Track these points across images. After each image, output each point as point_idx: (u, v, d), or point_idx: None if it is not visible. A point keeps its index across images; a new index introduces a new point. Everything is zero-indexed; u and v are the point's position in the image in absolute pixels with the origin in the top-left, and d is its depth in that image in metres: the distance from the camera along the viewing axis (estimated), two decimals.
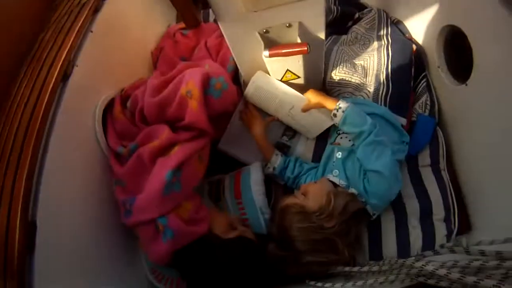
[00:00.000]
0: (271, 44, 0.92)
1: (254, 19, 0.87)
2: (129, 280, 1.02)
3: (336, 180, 0.99)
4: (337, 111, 0.96)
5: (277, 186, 1.19)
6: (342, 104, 0.96)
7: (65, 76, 0.96)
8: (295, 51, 0.86)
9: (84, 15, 1.06)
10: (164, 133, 0.99)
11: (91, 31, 1.08)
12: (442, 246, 0.88)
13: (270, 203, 1.11)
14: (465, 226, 1.03)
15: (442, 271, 0.66)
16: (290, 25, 0.90)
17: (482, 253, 0.71)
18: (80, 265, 0.86)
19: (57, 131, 0.88)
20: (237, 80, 1.20)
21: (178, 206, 0.93)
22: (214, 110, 1.03)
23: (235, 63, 1.19)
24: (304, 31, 0.90)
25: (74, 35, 1.01)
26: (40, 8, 1.20)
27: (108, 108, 1.11)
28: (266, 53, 0.89)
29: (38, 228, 0.76)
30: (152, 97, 1.02)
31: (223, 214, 1.02)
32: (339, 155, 1.03)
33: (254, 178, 1.10)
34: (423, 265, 0.69)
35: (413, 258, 0.82)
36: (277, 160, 1.11)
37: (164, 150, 0.97)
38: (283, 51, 0.88)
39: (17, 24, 1.12)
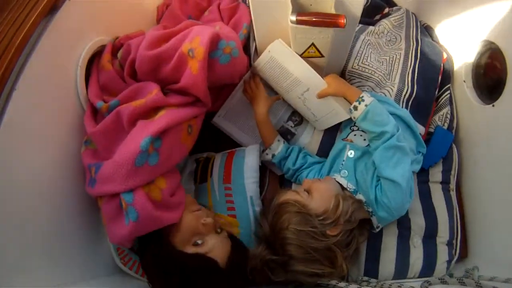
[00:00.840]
0: (299, 9, 0.79)
1: None
2: (93, 262, 0.88)
3: (344, 182, 0.87)
4: (359, 103, 0.83)
5: (273, 175, 1.06)
6: (366, 97, 0.84)
7: (53, 8, 0.81)
8: (330, 21, 0.74)
9: None
10: (152, 92, 0.83)
11: None
12: (451, 275, 0.79)
13: (262, 194, 0.99)
14: (464, 254, 0.97)
15: None
16: None
17: None
18: (35, 234, 0.72)
19: (31, 70, 0.73)
20: (247, 51, 1.07)
21: (149, 182, 0.76)
22: (216, 77, 0.89)
23: (248, 31, 1.09)
24: (340, 5, 0.78)
25: None
26: None
27: (95, 57, 0.96)
28: (294, 17, 0.76)
29: None
30: (147, 50, 0.86)
31: (195, 213, 0.82)
32: (351, 154, 0.91)
33: (249, 163, 0.97)
34: None
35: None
36: (278, 147, 0.98)
37: (148, 112, 0.82)
38: (315, 19, 0.75)
39: None
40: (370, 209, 0.84)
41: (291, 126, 1.07)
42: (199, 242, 0.78)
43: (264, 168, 1.04)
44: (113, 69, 0.91)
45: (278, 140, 0.99)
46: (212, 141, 1.08)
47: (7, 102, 0.68)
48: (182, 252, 0.75)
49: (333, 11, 0.77)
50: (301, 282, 0.78)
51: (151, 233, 0.75)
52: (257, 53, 1.10)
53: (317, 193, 0.82)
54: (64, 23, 0.83)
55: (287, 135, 1.07)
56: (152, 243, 0.78)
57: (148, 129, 0.76)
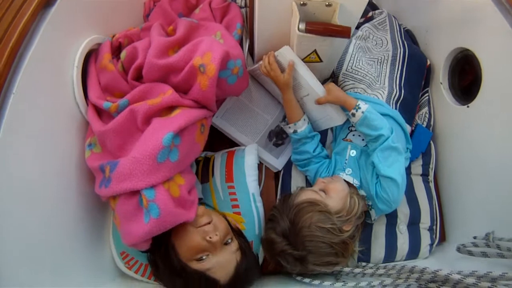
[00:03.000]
0: (304, 19, 0.83)
1: None
2: (95, 268, 0.87)
3: (350, 179, 0.95)
4: (356, 111, 0.91)
5: (269, 172, 1.12)
6: (362, 105, 0.91)
7: (48, 3, 0.77)
8: (338, 31, 0.79)
9: None
10: (166, 93, 0.84)
11: None
12: (464, 245, 0.89)
13: (260, 188, 1.04)
14: (442, 238, 1.09)
15: (471, 280, 0.66)
16: (329, 4, 0.83)
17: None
18: (34, 240, 0.69)
19: (26, 71, 0.69)
20: None
21: (169, 179, 0.76)
22: (222, 93, 0.93)
23: (242, 31, 1.10)
24: (341, 14, 0.83)
25: None
26: None
27: (89, 55, 0.92)
28: (303, 26, 0.80)
29: None
30: (156, 58, 0.86)
31: (203, 229, 0.80)
32: (352, 153, 0.99)
33: (249, 162, 1.02)
34: (448, 273, 0.69)
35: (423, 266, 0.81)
36: (303, 125, 1.02)
37: (163, 111, 0.83)
38: (323, 29, 0.79)
39: None
40: (370, 203, 0.93)
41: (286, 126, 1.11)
42: (204, 257, 0.78)
43: (260, 165, 1.08)
44: (115, 70, 0.89)
45: (304, 120, 1.02)
46: (208, 140, 1.09)
47: (5, 105, 0.65)
48: (186, 266, 0.77)
49: (336, 21, 0.82)
50: (315, 272, 0.86)
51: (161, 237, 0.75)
52: (250, 53, 1.13)
53: (334, 193, 0.89)
54: (58, 20, 0.79)
55: (282, 134, 1.12)
56: (162, 247, 0.79)
57: (167, 126, 0.76)
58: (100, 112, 0.87)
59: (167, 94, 0.84)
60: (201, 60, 0.83)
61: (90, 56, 0.93)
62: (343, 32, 0.79)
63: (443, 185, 1.13)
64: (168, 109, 0.84)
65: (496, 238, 0.84)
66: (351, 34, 1.15)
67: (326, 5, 0.82)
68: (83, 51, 0.88)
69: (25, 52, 0.70)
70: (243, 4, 1.21)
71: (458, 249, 0.89)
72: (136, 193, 0.74)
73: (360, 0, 0.83)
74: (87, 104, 0.88)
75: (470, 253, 0.86)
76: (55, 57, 0.80)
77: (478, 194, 0.99)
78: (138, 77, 0.90)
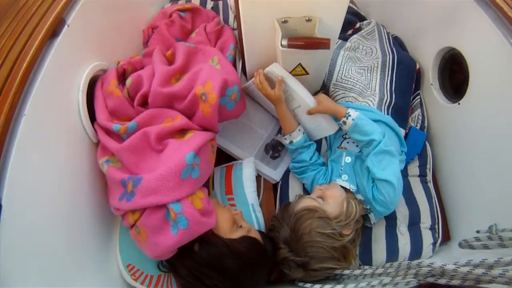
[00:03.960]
0: (287, 35, 0.88)
1: (276, 5, 0.85)
2: (101, 277, 0.90)
3: (346, 185, 0.98)
4: (347, 118, 0.95)
5: (267, 184, 1.15)
6: (352, 112, 0.95)
7: (54, 34, 0.84)
8: (318, 43, 0.84)
9: None
10: (176, 118, 0.91)
11: None
12: (466, 240, 0.90)
13: (259, 199, 1.07)
14: (446, 237, 1.08)
15: (464, 269, 0.67)
16: (309, 19, 0.88)
17: None
18: (46, 255, 0.73)
19: (36, 96, 0.75)
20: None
21: (192, 194, 0.83)
22: (222, 118, 1.00)
23: (235, 52, 1.16)
24: (321, 28, 0.88)
25: None
26: None
27: (93, 81, 0.99)
28: (285, 42, 0.85)
29: (3, 209, 0.63)
30: (161, 87, 0.93)
31: (227, 208, 0.94)
32: (348, 160, 1.02)
33: (247, 175, 1.06)
34: (442, 265, 0.70)
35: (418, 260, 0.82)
36: (298, 135, 1.06)
37: (176, 133, 0.90)
38: (304, 43, 0.85)
39: None
40: (368, 207, 0.95)
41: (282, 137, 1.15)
42: (240, 225, 0.89)
43: (258, 177, 1.12)
44: (122, 96, 0.95)
45: (299, 130, 1.07)
46: None
47: (17, 126, 0.70)
48: (231, 239, 0.84)
49: (317, 34, 0.87)
50: (317, 277, 0.89)
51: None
52: (243, 72, 1.18)
53: (331, 199, 0.92)
54: (64, 49, 0.86)
55: (277, 147, 1.16)
56: (191, 248, 0.83)
57: (187, 146, 0.83)
58: (108, 133, 0.93)
59: (176, 119, 0.91)
60: (203, 89, 0.90)
61: (95, 81, 0.99)
62: (323, 44, 0.84)
63: (443, 184, 1.14)
64: (179, 132, 0.91)
65: (499, 229, 0.85)
66: (339, 46, 1.22)
67: (306, 20, 0.87)
68: (88, 76, 0.94)
69: (34, 77, 0.76)
70: (235, 26, 1.29)
71: (460, 245, 0.90)
72: (161, 207, 0.79)
73: (338, 12, 0.88)
74: (92, 125, 0.94)
75: (471, 247, 0.87)
76: (62, 82, 0.86)
77: (478, 189, 1.00)
78: (143, 104, 0.97)
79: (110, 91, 0.96)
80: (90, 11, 0.98)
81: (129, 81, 0.98)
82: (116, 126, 0.89)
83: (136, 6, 1.29)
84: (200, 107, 0.92)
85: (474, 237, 0.89)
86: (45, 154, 0.77)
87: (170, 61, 1.09)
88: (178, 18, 1.23)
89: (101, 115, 0.92)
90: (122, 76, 1.03)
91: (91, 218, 0.90)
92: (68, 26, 0.88)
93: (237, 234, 0.86)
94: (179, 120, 0.91)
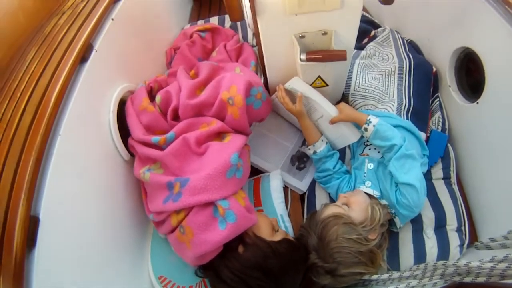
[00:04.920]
0: (305, 49, 0.92)
1: (293, 22, 0.89)
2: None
3: (370, 191, 0.99)
4: (368, 125, 0.98)
5: (294, 194, 1.17)
6: (373, 119, 0.98)
7: (83, 59, 0.91)
8: (334, 55, 0.86)
9: (106, 1, 1.02)
10: (213, 121, 0.97)
11: (112, 19, 1.04)
12: (481, 242, 0.90)
13: (287, 210, 1.09)
14: (474, 238, 1.06)
15: (488, 265, 0.67)
16: (325, 33, 0.91)
17: None
18: (82, 267, 0.77)
19: (69, 118, 0.81)
20: None
21: (235, 193, 0.88)
22: (251, 119, 1.04)
23: (256, 68, 1.20)
24: (337, 40, 0.91)
25: (95, 19, 0.97)
26: None
27: (121, 102, 1.05)
28: (304, 56, 0.89)
29: (41, 223, 0.68)
30: (188, 99, 0.99)
31: (264, 214, 0.97)
32: (370, 166, 1.04)
33: (274, 186, 1.09)
34: (467, 262, 0.70)
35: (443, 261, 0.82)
36: (321, 146, 1.09)
37: (213, 136, 0.95)
38: (322, 56, 0.87)
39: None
40: (392, 211, 0.96)
41: (307, 148, 1.17)
42: (277, 230, 0.92)
43: (285, 189, 1.14)
44: (156, 111, 1.01)
45: (322, 140, 1.10)
46: None
47: (53, 146, 0.76)
48: (273, 241, 0.87)
49: (333, 47, 0.90)
50: (345, 283, 0.90)
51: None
52: (270, 89, 1.21)
53: (355, 205, 0.94)
54: (93, 72, 0.92)
55: (303, 158, 1.19)
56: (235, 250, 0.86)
57: (229, 148, 0.89)
58: (146, 146, 0.97)
59: (212, 124, 0.96)
60: (228, 94, 0.96)
61: (123, 102, 1.05)
62: (340, 56, 0.87)
63: (468, 185, 1.13)
64: (217, 135, 0.96)
65: None
66: (354, 56, 1.23)
67: (322, 34, 0.91)
68: (117, 98, 1.00)
69: (67, 100, 0.82)
70: (254, 43, 1.33)
71: (476, 247, 0.90)
72: (208, 205, 0.84)
73: (352, 24, 0.91)
74: (123, 143, 0.99)
75: (488, 248, 0.87)
76: (93, 104, 0.92)
77: (504, 187, 0.98)
78: (175, 117, 1.02)
79: (144, 108, 1.01)
80: (115, 36, 1.05)
81: (158, 98, 1.03)
82: (155, 138, 0.95)
83: (158, 29, 1.36)
84: (228, 111, 0.97)
85: (489, 238, 0.88)
86: (80, 171, 0.82)
87: (194, 79, 1.14)
88: (198, 38, 1.29)
89: (137, 131, 0.98)
90: (149, 94, 1.09)
91: (124, 231, 0.95)
92: (96, 51, 0.94)
93: (277, 237, 0.90)
94: (215, 124, 0.96)
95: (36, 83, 0.85)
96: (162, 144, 0.95)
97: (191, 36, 1.31)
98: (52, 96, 0.79)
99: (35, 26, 1.08)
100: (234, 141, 0.92)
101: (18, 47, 1.04)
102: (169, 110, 1.01)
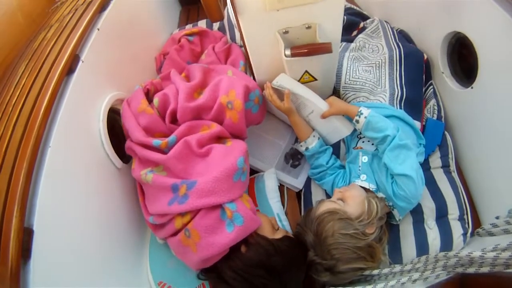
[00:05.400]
0: (290, 45, 0.91)
1: (275, 18, 0.88)
2: None
3: (365, 184, 0.98)
4: (359, 117, 0.96)
5: (291, 192, 1.16)
6: (364, 110, 0.96)
7: (70, 70, 0.91)
8: (320, 48, 0.86)
9: (91, 12, 1.03)
10: (213, 124, 0.97)
11: (98, 29, 1.04)
12: (483, 228, 0.87)
13: (284, 209, 1.08)
14: (477, 226, 1.03)
15: (491, 254, 0.65)
16: (309, 27, 0.90)
17: None
18: (78, 277, 0.77)
19: (59, 129, 0.82)
20: None
21: (241, 195, 0.89)
22: (249, 123, 1.04)
23: (245, 68, 1.19)
24: (322, 33, 0.90)
25: (81, 30, 0.98)
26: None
27: (111, 111, 1.05)
28: (288, 51, 0.88)
29: (35, 234, 0.68)
30: (187, 102, 0.99)
31: (263, 214, 0.97)
32: (364, 159, 1.02)
33: (269, 186, 1.08)
34: (469, 253, 0.68)
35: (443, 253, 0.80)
36: (313, 142, 1.09)
37: (214, 139, 0.96)
38: (307, 50, 0.87)
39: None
40: (390, 203, 0.95)
41: (299, 145, 1.16)
42: (277, 229, 0.93)
43: (281, 187, 1.14)
44: (155, 113, 1.00)
45: (314, 136, 1.09)
46: None
47: (44, 157, 0.76)
48: (275, 239, 0.88)
49: (318, 40, 0.89)
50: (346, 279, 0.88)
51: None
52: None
53: (351, 200, 0.92)
54: (81, 83, 0.92)
55: (297, 155, 1.18)
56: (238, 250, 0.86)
57: (234, 151, 0.89)
58: (147, 148, 0.96)
59: (212, 126, 0.96)
60: (227, 98, 0.96)
61: (114, 111, 1.05)
62: (324, 48, 0.86)
63: (468, 172, 1.11)
64: (217, 139, 0.96)
65: None
66: (344, 48, 1.23)
67: (306, 28, 0.90)
68: (106, 107, 1.00)
69: (56, 112, 0.83)
70: (242, 43, 1.33)
71: (478, 233, 0.87)
72: (216, 208, 0.84)
73: (336, 16, 0.90)
74: (115, 152, 0.99)
75: (491, 234, 0.84)
76: (82, 114, 0.92)
77: (505, 171, 0.96)
78: (173, 120, 1.02)
79: (142, 109, 1.01)
80: (102, 45, 1.05)
81: (156, 101, 1.03)
82: (156, 142, 0.95)
83: (146, 35, 1.37)
84: (227, 115, 0.97)
85: (491, 224, 0.86)
86: (72, 181, 0.83)
87: (187, 81, 1.14)
88: (186, 42, 1.30)
89: (137, 133, 0.97)
90: (146, 96, 1.08)
91: (121, 239, 0.95)
92: (83, 61, 0.95)
93: (278, 235, 0.90)
94: (215, 127, 0.96)
95: (26, 96, 0.86)
96: (164, 148, 0.95)
97: (179, 41, 1.31)
98: (41, 109, 0.80)
99: (24, 42, 1.09)
100: (237, 146, 0.93)
101: (9, 62, 1.05)
102: (167, 113, 1.00)
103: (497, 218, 0.86)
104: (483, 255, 0.68)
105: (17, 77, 0.96)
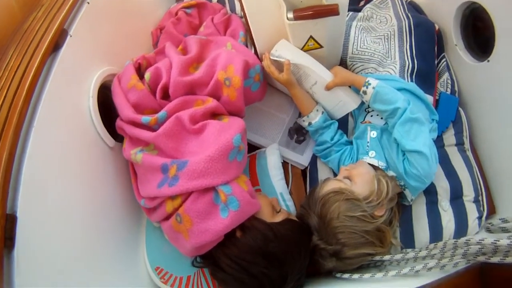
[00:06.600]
0: (292, 8, 0.83)
1: None
2: (130, 281, 0.89)
3: (375, 162, 0.90)
4: (367, 87, 0.88)
5: (296, 170, 1.09)
6: (372, 81, 0.88)
7: (57, 46, 0.85)
8: (325, 10, 0.78)
9: None
10: (208, 99, 0.90)
11: (88, 2, 0.98)
12: (491, 223, 0.83)
13: (288, 188, 1.02)
14: (492, 209, 0.97)
15: None
16: None
17: None
18: (69, 265, 0.72)
19: (44, 107, 0.76)
20: None
21: (238, 176, 0.82)
22: (248, 101, 0.97)
23: (245, 39, 1.13)
24: None
25: (68, 4, 0.91)
26: None
27: (104, 87, 0.99)
28: (291, 14, 0.80)
29: (19, 221, 0.63)
30: (180, 76, 0.92)
31: (262, 194, 0.90)
32: (373, 134, 0.94)
33: (272, 162, 1.02)
34: (495, 240, 0.62)
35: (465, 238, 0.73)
36: (316, 116, 1.01)
37: (208, 115, 0.89)
38: (312, 11, 0.79)
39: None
40: (402, 183, 0.88)
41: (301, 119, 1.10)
42: (279, 211, 0.86)
43: (286, 165, 1.07)
44: (145, 88, 0.94)
45: (317, 110, 1.01)
46: None
47: (27, 138, 0.71)
48: (274, 222, 0.81)
49: (324, 2, 0.81)
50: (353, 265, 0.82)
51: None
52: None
53: (358, 178, 0.85)
54: (69, 58, 0.87)
55: (302, 130, 1.11)
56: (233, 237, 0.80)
57: (231, 129, 0.82)
58: (136, 126, 0.90)
59: (207, 101, 0.89)
60: (225, 74, 0.89)
61: (107, 87, 0.99)
62: (331, 11, 0.78)
63: (483, 151, 1.03)
64: (212, 116, 0.90)
65: None
66: (351, 17, 1.15)
67: None
68: (97, 82, 0.94)
69: (42, 90, 0.77)
70: (242, 14, 1.25)
71: (488, 229, 0.81)
72: (208, 190, 0.77)
73: None
74: (107, 130, 0.94)
75: (505, 230, 0.77)
76: (70, 91, 0.86)
77: None
78: (165, 96, 0.95)
79: (132, 85, 0.93)
80: (93, 19, 0.99)
81: (147, 75, 0.96)
82: (146, 118, 0.88)
83: (142, 10, 1.29)
84: (224, 92, 0.90)
85: (500, 219, 0.82)
86: (60, 163, 0.77)
87: (183, 54, 1.06)
88: (184, 15, 1.23)
89: (126, 110, 0.91)
90: (137, 72, 1.01)
91: (116, 222, 0.90)
92: (71, 36, 0.89)
93: (278, 218, 0.83)
94: (211, 102, 0.89)
95: (13, 78, 0.79)
96: (153, 124, 0.88)
97: (176, 14, 1.24)
98: (25, 87, 0.74)
99: (16, 26, 1.03)
100: (234, 122, 0.86)
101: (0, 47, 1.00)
102: (158, 87, 0.93)
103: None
104: (511, 243, 0.61)
105: (6, 61, 0.90)
